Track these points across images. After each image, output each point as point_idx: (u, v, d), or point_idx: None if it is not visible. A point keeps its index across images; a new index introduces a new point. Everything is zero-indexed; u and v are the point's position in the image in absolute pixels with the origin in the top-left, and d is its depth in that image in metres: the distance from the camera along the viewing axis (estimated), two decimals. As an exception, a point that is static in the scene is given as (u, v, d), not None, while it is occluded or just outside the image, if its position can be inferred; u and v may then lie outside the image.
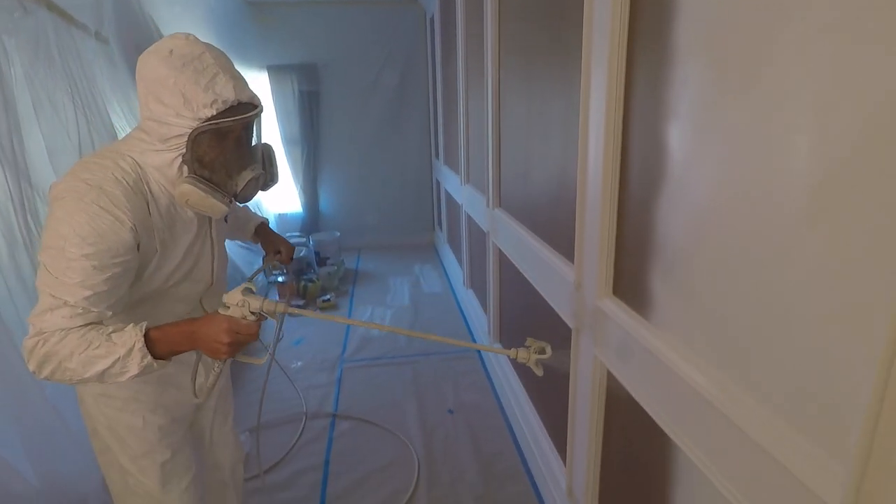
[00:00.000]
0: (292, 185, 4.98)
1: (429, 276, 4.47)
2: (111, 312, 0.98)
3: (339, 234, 4.69)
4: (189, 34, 1.01)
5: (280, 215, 5.02)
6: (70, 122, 1.94)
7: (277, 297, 3.93)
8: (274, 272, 1.47)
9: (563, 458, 1.70)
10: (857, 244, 0.61)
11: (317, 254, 4.41)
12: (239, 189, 1.09)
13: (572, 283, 1.44)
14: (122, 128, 2.37)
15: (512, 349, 1.11)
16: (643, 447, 1.18)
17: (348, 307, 3.85)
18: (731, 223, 0.82)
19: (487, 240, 2.61)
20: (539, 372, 1.10)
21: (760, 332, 0.77)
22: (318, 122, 4.90)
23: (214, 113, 0.96)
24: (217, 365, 1.07)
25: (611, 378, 1.30)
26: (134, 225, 0.96)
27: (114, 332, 0.94)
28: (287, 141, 4.83)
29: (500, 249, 2.43)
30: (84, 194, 0.93)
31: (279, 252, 1.53)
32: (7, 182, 1.63)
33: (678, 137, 0.96)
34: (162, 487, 1.19)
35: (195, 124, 0.96)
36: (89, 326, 0.94)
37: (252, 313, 0.99)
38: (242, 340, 0.99)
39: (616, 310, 1.20)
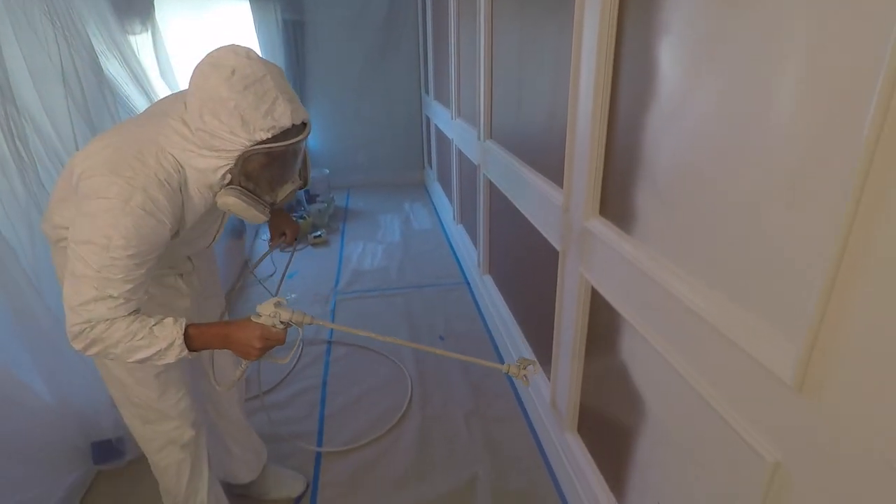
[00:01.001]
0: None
1: (419, 213, 4.51)
2: (147, 296, 1.06)
3: (328, 171, 4.67)
4: (249, 50, 0.99)
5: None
6: (51, 43, 1.89)
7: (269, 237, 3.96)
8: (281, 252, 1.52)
9: (548, 374, 1.82)
10: (818, 175, 0.66)
11: (306, 191, 4.40)
12: (278, 199, 1.15)
13: (560, 206, 1.49)
14: (102, 51, 2.31)
15: (504, 364, 1.24)
16: (621, 353, 1.28)
17: (339, 243, 3.90)
18: (716, 146, 0.86)
19: (478, 173, 2.64)
20: (526, 384, 1.24)
21: (731, 239, 0.83)
22: (303, 54, 4.74)
23: (270, 136, 0.99)
24: (245, 363, 1.19)
25: (594, 294, 1.38)
26: (172, 224, 1.02)
27: (156, 325, 1.03)
28: (272, 75, 4.68)
29: (490, 181, 2.47)
30: (129, 198, 0.95)
31: (284, 234, 1.56)
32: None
33: (670, 60, 0.98)
34: (159, 397, 1.26)
35: (249, 144, 0.99)
36: (132, 316, 1.01)
37: (281, 323, 1.11)
38: (271, 346, 1.11)
39: (602, 228, 1.27)
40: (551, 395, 1.77)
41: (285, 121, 0.99)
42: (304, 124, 1.04)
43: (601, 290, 1.31)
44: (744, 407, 0.83)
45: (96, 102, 2.10)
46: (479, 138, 2.57)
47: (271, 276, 3.07)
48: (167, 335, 1.02)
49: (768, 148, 0.74)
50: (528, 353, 2.08)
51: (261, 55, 1.02)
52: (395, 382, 2.29)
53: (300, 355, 2.47)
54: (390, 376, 2.33)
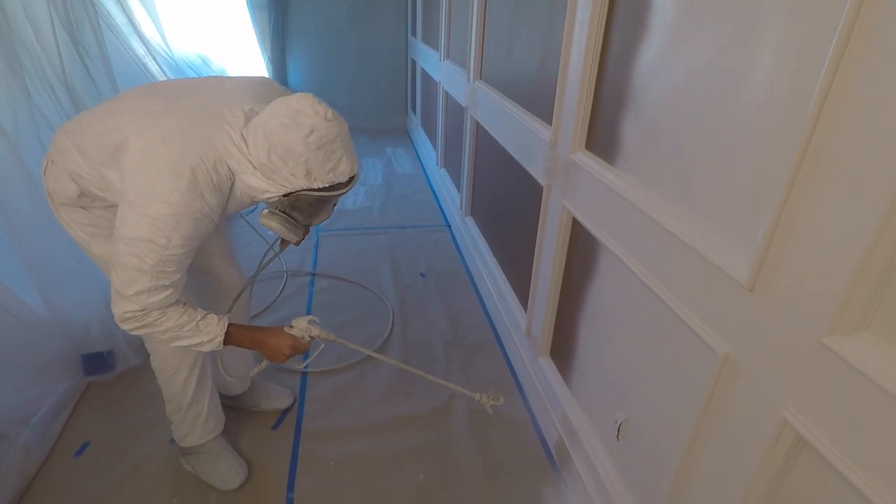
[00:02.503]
0: (259, 54, 4.75)
1: (401, 158, 4.52)
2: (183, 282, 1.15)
3: (310, 110, 4.59)
4: (327, 109, 1.05)
5: (247, 88, 4.82)
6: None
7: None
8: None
9: (525, 304, 1.94)
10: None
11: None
12: (312, 225, 1.25)
13: (548, 142, 1.57)
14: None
15: (476, 393, 1.45)
16: (596, 276, 1.39)
17: (321, 183, 3.90)
18: (700, 84, 0.94)
19: (465, 114, 2.67)
20: (491, 412, 1.45)
21: (705, 166, 0.92)
22: (287, -14, 4.57)
23: (326, 186, 1.09)
24: (263, 363, 1.36)
25: (575, 224, 1.48)
26: (217, 221, 1.12)
27: (201, 320, 1.16)
28: (254, 4, 4.52)
29: (478, 122, 2.51)
30: (190, 204, 1.02)
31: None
32: None
33: (664, 3, 1.04)
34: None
35: (304, 187, 1.08)
36: (182, 308, 1.13)
37: (310, 337, 1.30)
38: (296, 354, 1.29)
39: (587, 160, 1.35)
40: (527, 324, 1.90)
41: (344, 178, 1.11)
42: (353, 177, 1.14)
43: (582, 219, 1.41)
44: (700, 308, 0.94)
45: (79, 15, 2.04)
46: (468, 80, 2.59)
47: (252, 211, 3.08)
48: (210, 332, 1.17)
49: (744, 93, 0.82)
50: (506, 288, 2.19)
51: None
52: (377, 313, 2.39)
53: (283, 286, 2.54)
54: (373, 307, 2.43)
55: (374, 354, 1.47)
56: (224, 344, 1.20)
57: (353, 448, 1.68)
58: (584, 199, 1.39)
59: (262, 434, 1.73)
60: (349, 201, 3.58)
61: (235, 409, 1.79)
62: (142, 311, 1.08)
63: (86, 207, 1.22)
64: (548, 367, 1.74)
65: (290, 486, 1.55)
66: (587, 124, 1.38)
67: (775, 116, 0.77)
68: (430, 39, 3.79)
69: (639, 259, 1.14)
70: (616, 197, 1.20)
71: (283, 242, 1.65)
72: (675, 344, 1.03)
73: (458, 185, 3.12)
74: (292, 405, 1.84)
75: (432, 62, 3.66)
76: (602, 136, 1.31)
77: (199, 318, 1.15)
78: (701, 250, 0.91)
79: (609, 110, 1.27)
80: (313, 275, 2.66)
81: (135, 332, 1.13)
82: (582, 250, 1.47)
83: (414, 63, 4.65)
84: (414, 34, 4.57)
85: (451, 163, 3.33)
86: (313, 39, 4.84)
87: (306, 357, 1.41)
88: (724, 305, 0.88)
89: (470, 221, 2.83)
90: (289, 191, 1.09)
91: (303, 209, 1.17)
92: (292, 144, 1.02)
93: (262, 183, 1.09)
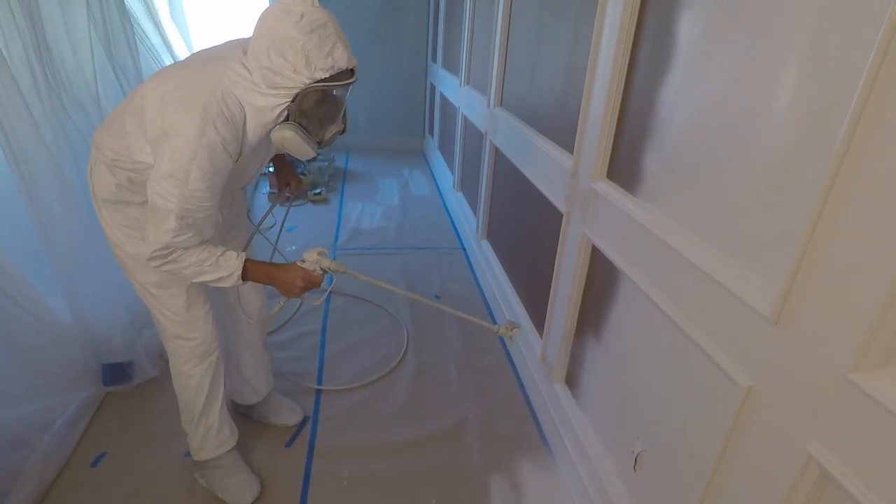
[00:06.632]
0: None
1: (417, 179, 4.57)
2: (212, 232, 1.21)
3: (330, 131, 4.69)
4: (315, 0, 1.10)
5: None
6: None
7: (269, 188, 4.00)
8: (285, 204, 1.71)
9: (540, 330, 1.95)
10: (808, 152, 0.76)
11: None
12: (325, 138, 1.27)
13: (569, 170, 1.59)
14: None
15: (494, 325, 1.51)
16: (615, 304, 1.40)
17: (338, 202, 3.97)
18: (722, 117, 0.96)
19: (484, 139, 2.72)
20: (511, 344, 1.41)
21: (728, 197, 0.94)
22: (312, 11, 4.70)
23: (328, 76, 1.11)
24: (282, 300, 1.39)
25: (594, 252, 1.49)
26: (234, 158, 1.16)
27: (221, 255, 1.21)
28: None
29: (496, 148, 2.55)
30: (203, 133, 1.07)
31: (289, 185, 1.69)
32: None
33: (689, 36, 1.07)
34: (187, 309, 1.38)
35: (309, 82, 1.11)
36: (203, 245, 1.19)
37: (321, 269, 1.33)
38: (310, 287, 1.31)
39: (608, 189, 1.37)
40: (542, 350, 1.90)
41: (343, 62, 1.13)
42: (353, 71, 1.17)
43: (602, 247, 1.42)
44: (724, 340, 0.95)
45: (116, 34, 2.12)
46: (488, 106, 2.64)
47: (271, 227, 3.13)
48: (229, 266, 1.22)
49: (766, 125, 0.84)
50: (521, 312, 2.20)
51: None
52: (392, 332, 2.40)
53: (301, 303, 2.57)
54: (387, 327, 2.44)
55: (384, 285, 1.50)
56: (242, 280, 1.24)
57: (366, 467, 1.68)
58: (605, 228, 1.40)
59: (275, 451, 1.74)
60: (366, 221, 3.63)
61: (246, 417, 1.81)
62: (166, 248, 1.14)
63: (126, 202, 1.28)
64: (563, 393, 1.74)
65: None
66: (609, 154, 1.41)
67: (801, 146, 0.79)
68: (451, 65, 3.88)
69: (660, 289, 1.15)
70: (637, 226, 1.22)
71: (280, 192, 1.70)
72: (697, 375, 1.04)
73: (474, 209, 3.15)
74: (303, 424, 1.84)
75: (452, 87, 3.73)
76: (624, 166, 1.34)
77: (218, 253, 1.21)
78: (724, 282, 0.92)
79: (631, 140, 1.29)
80: (329, 292, 2.68)
81: (162, 269, 1.19)
82: (601, 278, 1.48)
83: (433, 87, 4.74)
84: (434, 59, 4.67)
85: (468, 186, 3.37)
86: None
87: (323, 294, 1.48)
88: (747, 338, 0.89)
89: (486, 245, 2.85)
90: (294, 92, 1.12)
91: (312, 114, 1.20)
92: (287, 32, 1.06)
93: (270, 98, 1.13)
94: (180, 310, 1.37)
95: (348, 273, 1.38)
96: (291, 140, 1.18)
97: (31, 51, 1.67)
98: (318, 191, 3.97)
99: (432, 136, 4.92)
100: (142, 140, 1.14)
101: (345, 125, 1.34)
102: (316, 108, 1.19)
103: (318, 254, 1.34)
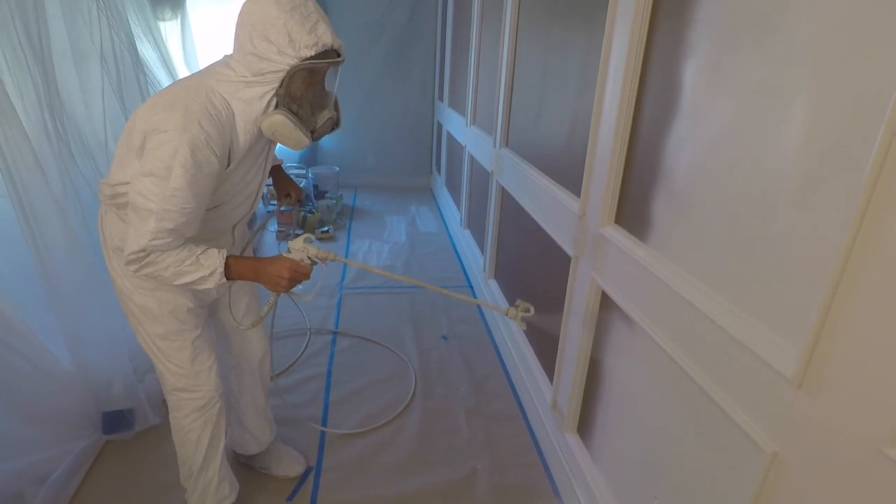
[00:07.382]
0: (293, 116, 4.96)
1: (425, 216, 4.58)
2: (194, 233, 1.15)
3: (338, 169, 4.74)
4: None
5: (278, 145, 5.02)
6: (94, 24, 1.97)
7: (277, 226, 4.02)
8: (281, 208, 1.68)
9: (550, 375, 1.89)
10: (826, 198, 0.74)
11: (315, 186, 4.48)
12: (318, 126, 1.24)
13: (576, 213, 1.57)
14: (138, 35, 2.38)
15: (504, 308, 1.37)
16: (627, 353, 1.35)
17: (346, 240, 3.97)
18: (731, 164, 0.94)
19: (491, 179, 2.72)
20: (523, 326, 1.35)
21: (743, 249, 0.91)
22: (322, 53, 4.82)
23: (313, 54, 1.10)
24: (272, 297, 1.30)
25: (605, 298, 1.45)
26: (221, 159, 1.12)
27: (201, 254, 1.15)
28: (290, 71, 4.77)
29: (503, 188, 2.55)
30: (185, 129, 1.04)
31: (289, 195, 1.66)
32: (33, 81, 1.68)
33: (693, 80, 1.06)
34: (191, 362, 1.35)
35: (294, 62, 1.09)
36: (182, 245, 1.13)
37: (309, 258, 1.23)
38: (298, 279, 1.22)
39: (617, 235, 1.34)
40: (553, 396, 1.84)
41: (327, 39, 1.11)
42: (338, 52, 1.16)
43: (612, 294, 1.38)
44: (745, 402, 0.90)
45: (130, 83, 2.17)
46: (494, 146, 2.65)
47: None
48: (210, 264, 1.15)
49: (776, 170, 0.82)
50: (530, 354, 2.15)
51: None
52: (399, 375, 2.35)
53: (307, 344, 2.53)
54: (394, 370, 2.39)
55: (378, 271, 1.42)
56: (227, 279, 1.18)
57: (370, 524, 1.61)
58: (615, 274, 1.37)
59: (277, 504, 1.67)
60: (373, 259, 3.62)
61: (247, 468, 1.75)
62: (143, 251, 1.10)
63: None
64: (575, 444, 1.67)
65: (304, 564, 1.48)
66: (617, 199, 1.38)
67: (823, 195, 0.76)
68: (457, 104, 3.93)
69: (674, 340, 1.11)
70: (648, 275, 1.18)
71: (279, 201, 1.64)
72: (718, 435, 0.98)
73: (481, 247, 3.13)
74: (306, 475, 1.78)
75: (458, 126, 3.77)
76: (633, 212, 1.31)
77: (199, 251, 1.15)
78: (741, 338, 0.88)
79: (639, 186, 1.27)
80: (335, 333, 2.65)
81: (140, 273, 1.14)
82: (613, 325, 1.43)
83: (440, 126, 4.80)
84: (441, 98, 4.74)
85: (475, 224, 3.36)
86: (344, 103, 5.02)
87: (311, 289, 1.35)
88: (769, 400, 0.84)
89: (493, 284, 2.82)
90: (281, 76, 1.10)
91: (302, 98, 1.17)
92: (268, 12, 1.06)
93: (256, 87, 1.11)
94: (185, 362, 1.34)
95: (338, 260, 1.28)
96: (283, 125, 1.14)
97: (44, 102, 1.71)
98: (325, 229, 3.98)
99: (439, 172, 4.95)
100: (136, 161, 1.12)
101: (338, 115, 1.31)
102: (305, 90, 1.17)
103: (304, 241, 1.25)
